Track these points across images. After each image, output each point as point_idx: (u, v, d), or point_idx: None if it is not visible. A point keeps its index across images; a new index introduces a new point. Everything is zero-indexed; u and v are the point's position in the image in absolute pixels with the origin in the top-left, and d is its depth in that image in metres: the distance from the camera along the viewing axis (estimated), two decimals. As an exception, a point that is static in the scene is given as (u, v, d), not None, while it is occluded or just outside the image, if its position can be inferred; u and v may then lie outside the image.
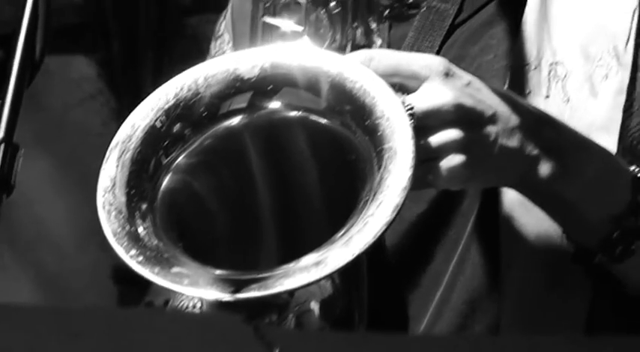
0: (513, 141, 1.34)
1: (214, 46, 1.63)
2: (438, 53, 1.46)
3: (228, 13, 1.62)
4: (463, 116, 1.31)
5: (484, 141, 1.32)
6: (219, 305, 1.28)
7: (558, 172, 1.37)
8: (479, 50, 1.50)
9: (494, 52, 1.49)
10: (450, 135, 1.31)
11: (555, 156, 1.36)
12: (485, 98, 1.33)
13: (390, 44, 1.48)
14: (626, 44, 1.41)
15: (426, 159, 1.29)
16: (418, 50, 1.46)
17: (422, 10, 1.46)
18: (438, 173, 1.31)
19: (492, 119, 1.33)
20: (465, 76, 1.34)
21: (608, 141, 1.43)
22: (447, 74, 1.33)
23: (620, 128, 1.43)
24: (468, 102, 1.31)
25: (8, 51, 1.33)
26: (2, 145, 1.28)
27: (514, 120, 1.33)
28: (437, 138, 1.31)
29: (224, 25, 1.61)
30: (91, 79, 5.04)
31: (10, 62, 1.31)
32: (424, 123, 1.29)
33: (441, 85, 1.32)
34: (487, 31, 1.50)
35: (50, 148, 4.88)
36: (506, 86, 1.45)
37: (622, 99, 1.42)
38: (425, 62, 1.34)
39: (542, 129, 1.38)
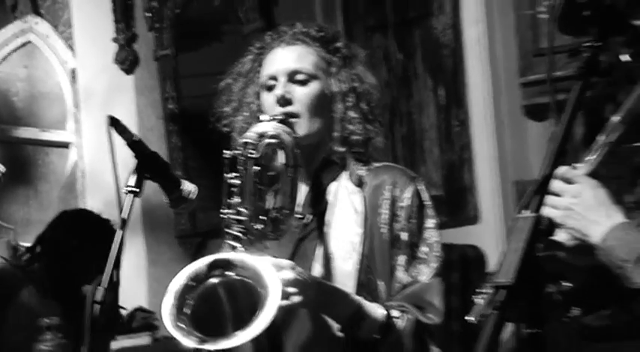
0: (313, 292, 2.01)
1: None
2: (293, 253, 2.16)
3: None
4: (294, 281, 1.98)
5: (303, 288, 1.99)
6: None
7: (329, 307, 2.07)
8: (306, 251, 2.16)
9: (313, 255, 2.15)
10: (291, 290, 1.98)
11: (328, 300, 2.05)
12: (305, 275, 2.01)
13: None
14: (359, 245, 2.13)
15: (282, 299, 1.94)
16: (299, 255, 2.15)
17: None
18: (294, 302, 1.99)
19: (308, 283, 2.00)
20: (299, 269, 2.01)
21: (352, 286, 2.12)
22: (293, 268, 2.00)
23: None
24: (299, 276, 1.99)
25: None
26: None
27: (313, 283, 2.02)
28: (289, 290, 1.97)
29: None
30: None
31: None
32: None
33: (289, 271, 1.99)
34: (305, 243, 2.17)
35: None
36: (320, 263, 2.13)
37: (357, 265, 2.11)
38: (286, 263, 2.00)
39: (323, 287, 2.05)
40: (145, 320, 4.34)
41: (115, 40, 4.88)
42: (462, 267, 3.80)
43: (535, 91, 4.13)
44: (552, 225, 1.72)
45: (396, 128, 4.51)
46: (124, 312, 4.12)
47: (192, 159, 4.77)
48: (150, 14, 4.90)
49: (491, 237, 4.10)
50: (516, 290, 1.39)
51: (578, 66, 1.58)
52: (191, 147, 4.77)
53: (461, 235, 4.02)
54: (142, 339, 4.27)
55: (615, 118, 1.76)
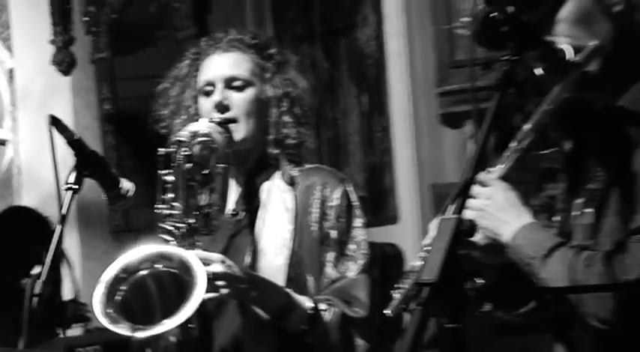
0: (243, 284, 1.98)
1: None
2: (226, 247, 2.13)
3: None
4: (223, 274, 1.95)
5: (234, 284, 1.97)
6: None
7: (259, 299, 2.03)
8: (239, 246, 2.13)
9: (246, 250, 2.12)
10: (220, 285, 1.95)
11: (258, 292, 2.01)
12: (235, 268, 1.98)
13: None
14: (289, 241, 2.12)
15: (211, 291, 1.92)
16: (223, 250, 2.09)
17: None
18: (223, 293, 1.97)
19: (237, 276, 1.97)
20: (229, 262, 1.99)
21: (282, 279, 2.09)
22: (223, 262, 1.98)
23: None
24: (228, 269, 1.95)
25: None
26: None
27: (243, 276, 1.98)
28: (219, 283, 1.95)
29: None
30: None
31: None
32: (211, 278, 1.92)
33: (218, 264, 1.97)
34: (237, 239, 2.15)
35: None
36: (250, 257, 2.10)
37: (287, 260, 2.10)
38: (216, 256, 1.99)
39: (254, 279, 2.02)
40: (77, 311, 4.26)
41: (53, 42, 4.79)
42: (382, 264, 3.83)
43: (451, 101, 4.18)
44: (473, 227, 1.75)
45: (322, 132, 4.53)
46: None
47: (126, 158, 4.72)
48: (87, 18, 4.82)
49: (410, 236, 4.14)
50: (439, 288, 1.41)
51: (497, 78, 1.60)
52: (126, 146, 4.72)
53: (381, 234, 4.05)
54: (75, 330, 4.19)
55: (526, 127, 1.80)
